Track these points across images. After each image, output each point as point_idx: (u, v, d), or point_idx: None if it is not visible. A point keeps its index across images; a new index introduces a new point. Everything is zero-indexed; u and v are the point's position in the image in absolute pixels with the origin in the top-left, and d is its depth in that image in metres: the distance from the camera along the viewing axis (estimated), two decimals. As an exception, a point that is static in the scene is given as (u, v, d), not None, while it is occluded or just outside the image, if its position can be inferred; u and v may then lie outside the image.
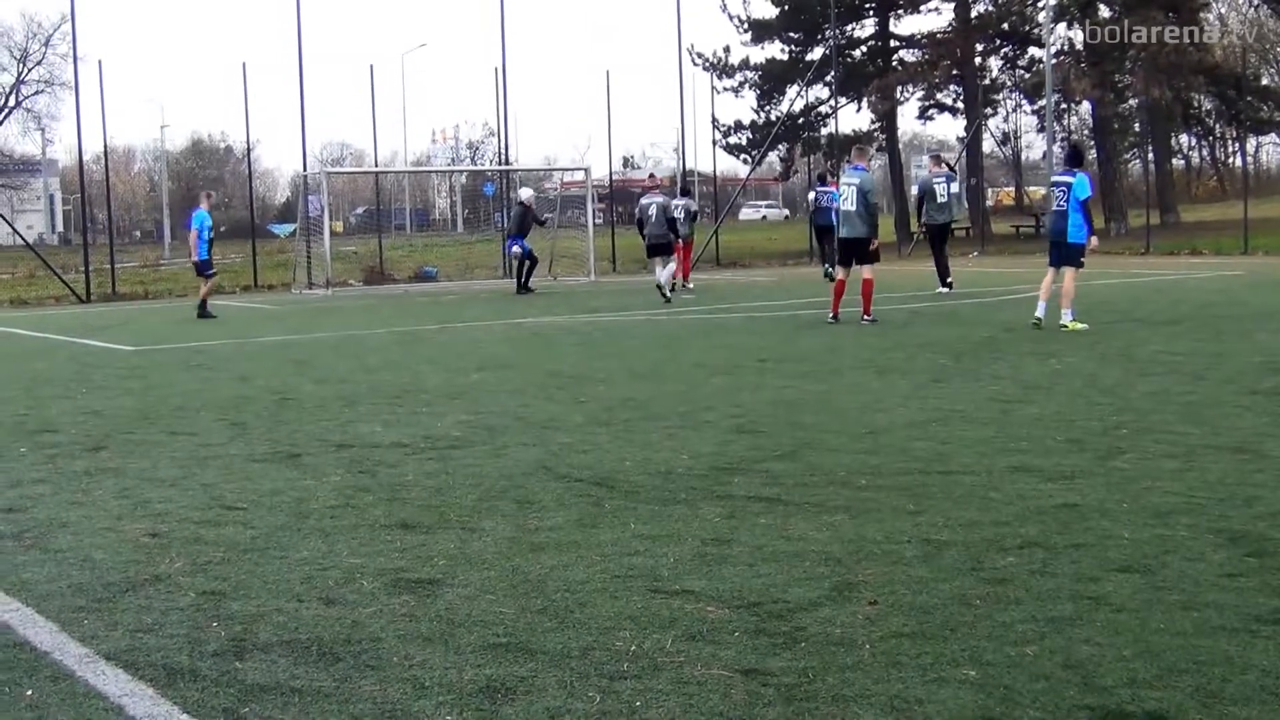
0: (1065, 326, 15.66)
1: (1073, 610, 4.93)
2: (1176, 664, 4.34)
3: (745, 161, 51.52)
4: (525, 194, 29.21)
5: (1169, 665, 4.33)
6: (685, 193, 29.81)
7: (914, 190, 17.80)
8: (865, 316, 17.50)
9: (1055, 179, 16.85)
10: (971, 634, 4.69)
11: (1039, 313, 15.90)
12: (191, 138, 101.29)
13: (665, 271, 23.72)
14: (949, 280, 23.60)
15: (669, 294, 23.25)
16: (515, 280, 28.07)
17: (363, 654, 4.68)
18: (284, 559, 6.02)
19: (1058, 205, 16.29)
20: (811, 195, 31.39)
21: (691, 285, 27.16)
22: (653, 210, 24.60)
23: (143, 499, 7.44)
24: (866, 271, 17.72)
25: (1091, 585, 5.23)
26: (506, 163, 46.96)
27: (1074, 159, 17.15)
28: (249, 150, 42.35)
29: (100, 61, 31.26)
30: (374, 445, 9.01)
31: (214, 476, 8.04)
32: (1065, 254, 16.18)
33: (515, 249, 28.16)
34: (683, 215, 26.98)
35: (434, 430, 9.57)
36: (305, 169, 36.20)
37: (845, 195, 17.84)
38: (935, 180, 24.44)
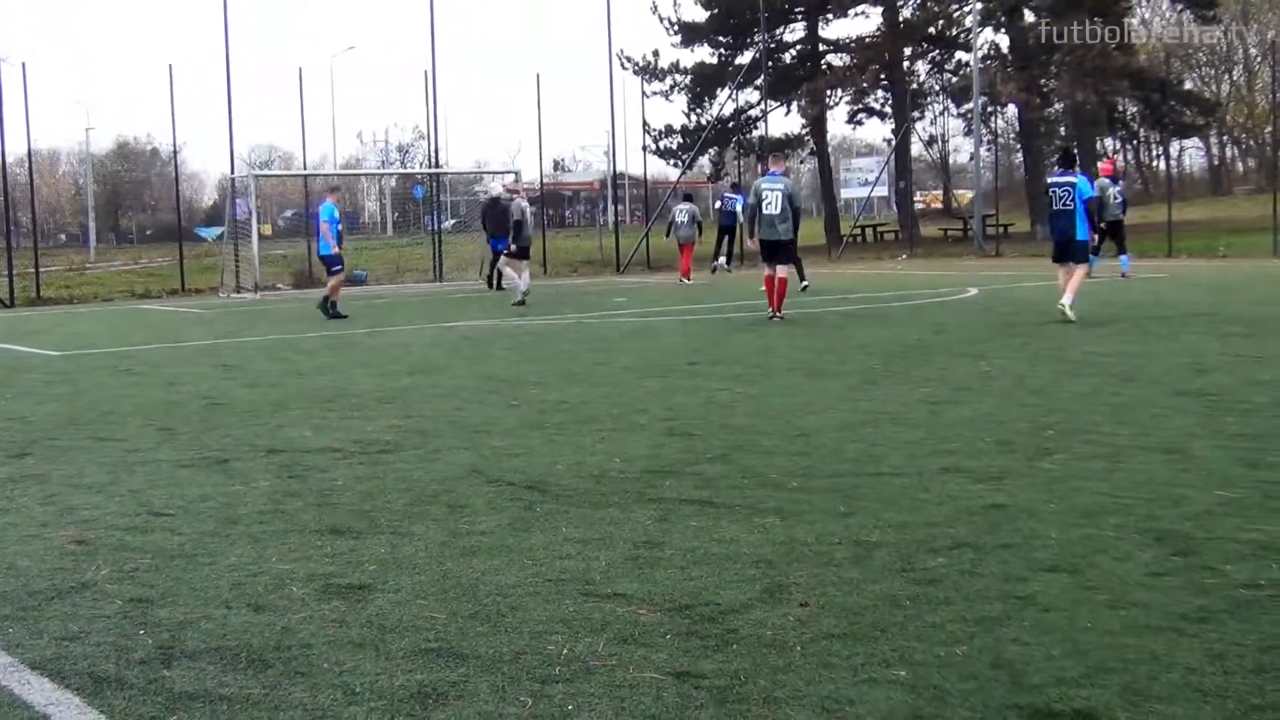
0: (1063, 309, 16.51)
1: (1001, 610, 4.96)
2: (1104, 662, 4.39)
3: (676, 165, 51.68)
4: (496, 189, 30.48)
5: (1096, 664, 4.38)
6: (689, 198, 32.92)
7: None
8: (777, 313, 18.52)
9: (1055, 180, 17.43)
10: (902, 634, 4.72)
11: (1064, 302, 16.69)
12: (117, 140, 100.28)
13: (525, 275, 24.34)
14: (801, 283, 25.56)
15: (524, 299, 23.54)
16: (491, 279, 29.68)
17: (292, 661, 4.64)
18: (212, 565, 5.96)
19: (1062, 205, 16.97)
20: (718, 203, 33.85)
21: (691, 282, 29.62)
22: (529, 214, 25.71)
23: (69, 505, 7.35)
24: (783, 271, 18.75)
25: (1020, 585, 5.28)
26: (436, 166, 46.80)
27: (1068, 160, 17.80)
28: (175, 153, 42.01)
29: (24, 64, 30.91)
30: (304, 450, 8.95)
31: (141, 482, 7.96)
32: (1073, 251, 17.04)
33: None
34: (687, 219, 30.61)
35: (365, 435, 9.52)
36: (233, 172, 35.89)
37: (769, 200, 18.51)
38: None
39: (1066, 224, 17.02)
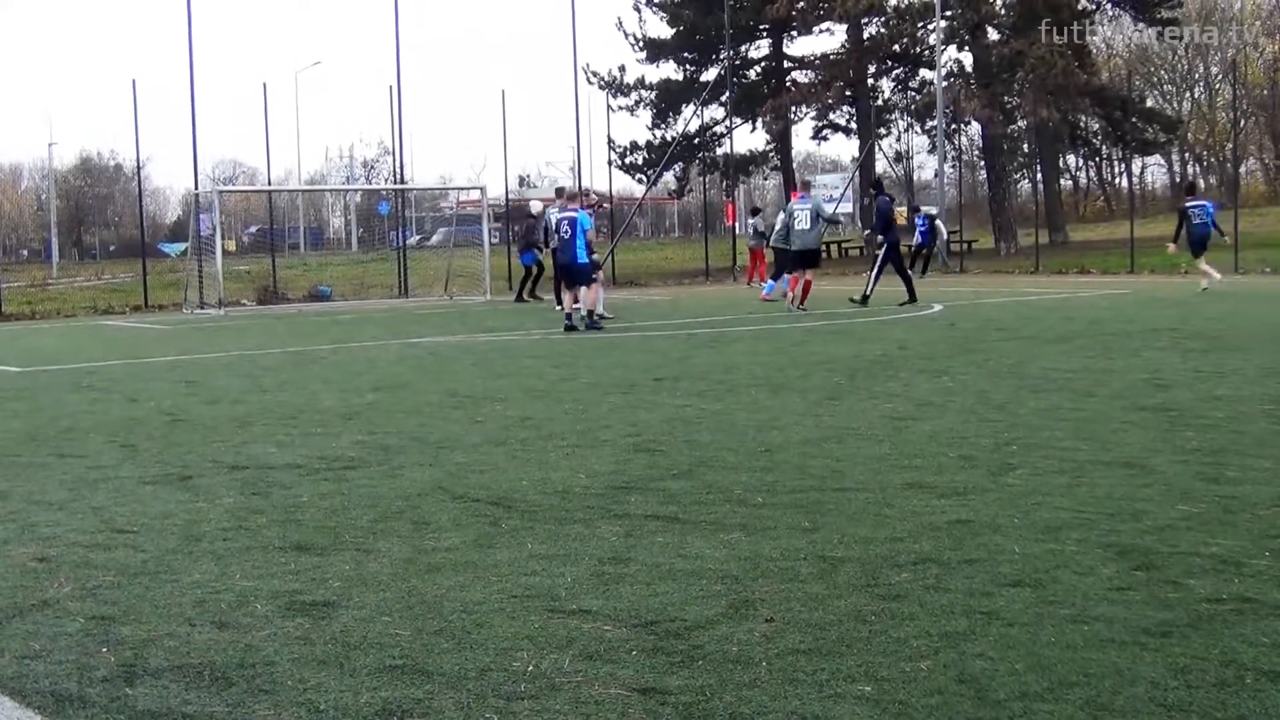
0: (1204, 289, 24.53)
1: (965, 625, 4.98)
2: (1067, 677, 4.40)
3: (641, 181, 51.80)
4: (535, 206, 30.38)
5: (1060, 678, 4.39)
6: (756, 212, 36.68)
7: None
8: (800, 307, 23.01)
9: (1192, 204, 25.94)
10: (867, 650, 4.73)
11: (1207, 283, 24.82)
12: (80, 155, 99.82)
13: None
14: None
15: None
16: (517, 290, 30.95)
17: (256, 678, 4.62)
18: (175, 582, 5.93)
19: (1199, 220, 25.37)
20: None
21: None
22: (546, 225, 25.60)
23: (30, 522, 7.30)
24: (810, 274, 23.54)
25: (984, 600, 5.29)
26: (402, 181, 46.75)
27: (1192, 189, 29.34)
28: (139, 168, 41.87)
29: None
30: (268, 466, 8.91)
31: (104, 499, 7.91)
32: (1203, 247, 25.53)
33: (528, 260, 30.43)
34: (751, 232, 35.33)
35: (329, 451, 9.48)
36: (197, 187, 35.75)
37: (800, 218, 23.33)
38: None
39: (1203, 232, 25.42)
